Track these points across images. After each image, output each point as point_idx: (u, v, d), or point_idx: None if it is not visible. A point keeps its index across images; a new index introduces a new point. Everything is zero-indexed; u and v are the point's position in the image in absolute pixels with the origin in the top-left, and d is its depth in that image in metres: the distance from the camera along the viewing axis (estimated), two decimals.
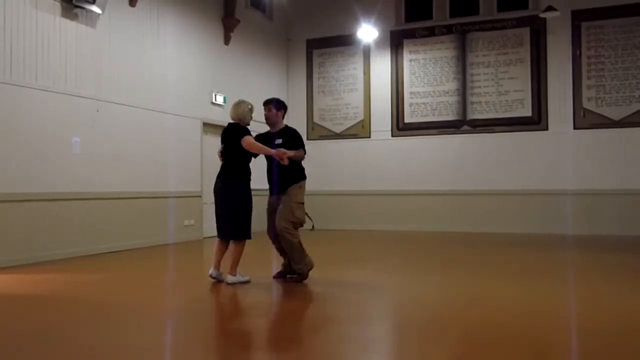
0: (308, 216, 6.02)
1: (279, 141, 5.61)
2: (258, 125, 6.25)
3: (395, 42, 12.47)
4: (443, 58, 12.12)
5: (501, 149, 11.60)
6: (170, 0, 9.64)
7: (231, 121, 5.61)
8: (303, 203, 5.65)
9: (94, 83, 8.09)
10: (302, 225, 5.61)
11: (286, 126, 5.84)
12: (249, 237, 5.53)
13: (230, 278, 5.45)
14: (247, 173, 5.54)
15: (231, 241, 5.53)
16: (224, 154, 5.53)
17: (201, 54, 10.47)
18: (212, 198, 10.59)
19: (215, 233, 10.45)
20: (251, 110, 5.62)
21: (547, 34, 11.39)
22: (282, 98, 12.89)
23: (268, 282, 5.68)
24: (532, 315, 4.31)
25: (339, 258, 7.81)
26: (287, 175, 5.57)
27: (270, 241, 5.76)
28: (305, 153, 5.72)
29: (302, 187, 5.67)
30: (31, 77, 7.16)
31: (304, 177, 5.72)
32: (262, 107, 5.79)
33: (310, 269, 5.60)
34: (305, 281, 5.57)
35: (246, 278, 5.54)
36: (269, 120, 5.77)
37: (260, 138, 5.71)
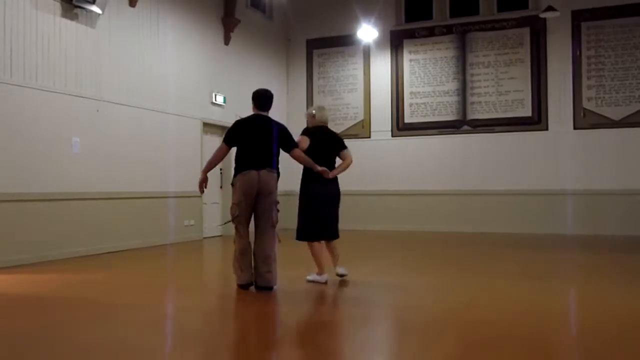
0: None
1: None
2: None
3: (395, 42, 12.47)
4: (443, 58, 12.12)
5: (501, 149, 11.60)
6: (170, 0, 9.65)
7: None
8: (234, 203, 5.08)
9: (94, 83, 8.09)
10: (236, 227, 5.08)
11: None
12: (298, 239, 5.58)
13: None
14: (304, 175, 5.59)
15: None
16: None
17: (201, 54, 10.47)
18: (212, 198, 10.71)
19: (214, 234, 10.56)
20: (312, 114, 5.81)
21: (547, 34, 11.40)
22: (282, 98, 13.08)
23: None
24: (532, 315, 4.31)
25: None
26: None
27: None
28: (219, 151, 5.25)
29: (235, 186, 5.10)
30: (31, 77, 7.16)
31: (235, 175, 5.14)
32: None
33: (239, 284, 5.11)
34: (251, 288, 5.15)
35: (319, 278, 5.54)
36: None
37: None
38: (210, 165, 5.25)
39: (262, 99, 5.28)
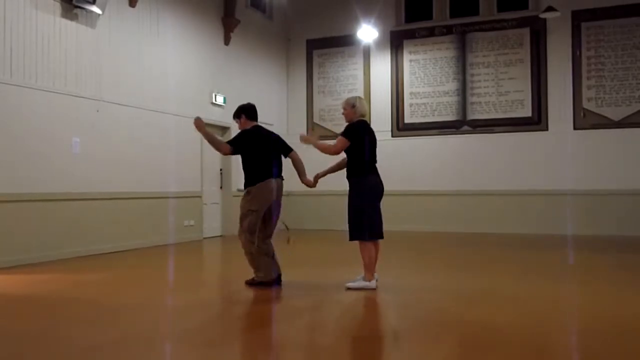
0: (286, 226, 5.86)
1: None
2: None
3: (395, 42, 12.47)
4: (443, 58, 12.13)
5: (501, 149, 11.60)
6: (170, 0, 9.65)
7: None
8: (254, 210, 5.21)
9: (94, 83, 8.09)
10: (254, 233, 5.22)
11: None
12: (371, 238, 5.25)
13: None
14: (357, 166, 5.34)
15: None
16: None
17: (201, 54, 10.47)
18: (212, 199, 10.70)
19: (214, 234, 10.56)
20: (352, 104, 5.65)
21: (547, 34, 11.40)
22: (282, 98, 13.09)
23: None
24: (532, 315, 4.31)
25: (339, 258, 7.80)
26: (245, 176, 5.40)
27: None
28: (223, 146, 5.37)
29: (251, 193, 5.25)
30: (31, 78, 7.16)
31: (252, 183, 5.27)
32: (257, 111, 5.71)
33: (263, 282, 5.25)
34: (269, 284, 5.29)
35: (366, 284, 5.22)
36: None
37: None
38: (210, 139, 5.37)
39: (254, 111, 5.56)
